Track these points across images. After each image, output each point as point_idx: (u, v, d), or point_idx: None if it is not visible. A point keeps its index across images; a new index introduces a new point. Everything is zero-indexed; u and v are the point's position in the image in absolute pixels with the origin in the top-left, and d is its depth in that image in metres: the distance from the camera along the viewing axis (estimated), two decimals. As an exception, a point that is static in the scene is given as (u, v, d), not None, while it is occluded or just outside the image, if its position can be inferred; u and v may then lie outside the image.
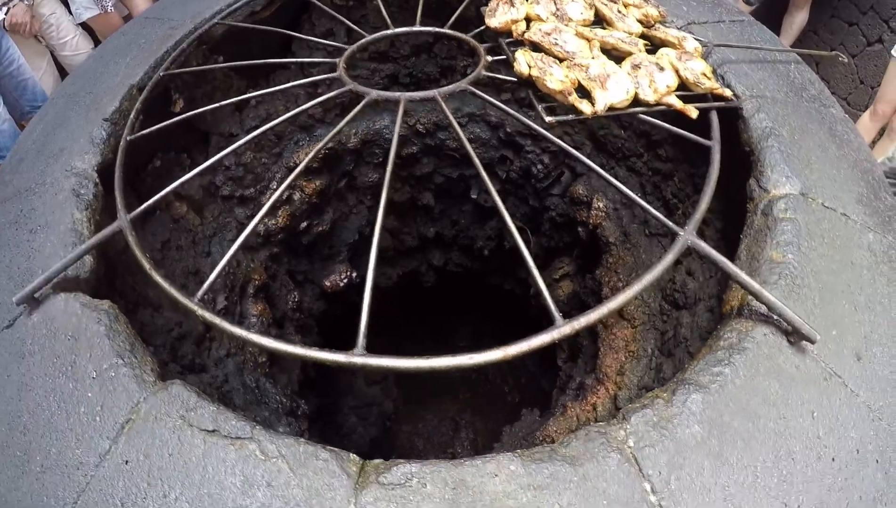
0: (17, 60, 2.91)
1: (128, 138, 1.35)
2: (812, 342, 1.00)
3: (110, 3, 3.15)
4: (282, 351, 0.95)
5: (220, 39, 1.83)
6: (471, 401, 3.41)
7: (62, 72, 3.37)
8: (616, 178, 2.02)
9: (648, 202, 1.96)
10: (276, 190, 2.09)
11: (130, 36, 1.78)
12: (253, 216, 2.10)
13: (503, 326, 3.38)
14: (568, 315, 2.38)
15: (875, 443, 0.97)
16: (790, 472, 0.92)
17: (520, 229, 1.10)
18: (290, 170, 2.14)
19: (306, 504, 0.86)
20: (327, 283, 2.52)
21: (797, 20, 3.69)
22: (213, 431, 0.94)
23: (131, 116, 1.41)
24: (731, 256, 1.25)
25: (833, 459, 0.95)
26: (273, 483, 0.88)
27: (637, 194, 1.95)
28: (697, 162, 1.71)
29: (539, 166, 2.25)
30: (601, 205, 2.08)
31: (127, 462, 0.93)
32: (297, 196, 2.20)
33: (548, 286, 2.51)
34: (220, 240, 1.99)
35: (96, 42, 3.34)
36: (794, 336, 1.02)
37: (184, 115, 1.43)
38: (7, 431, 1.00)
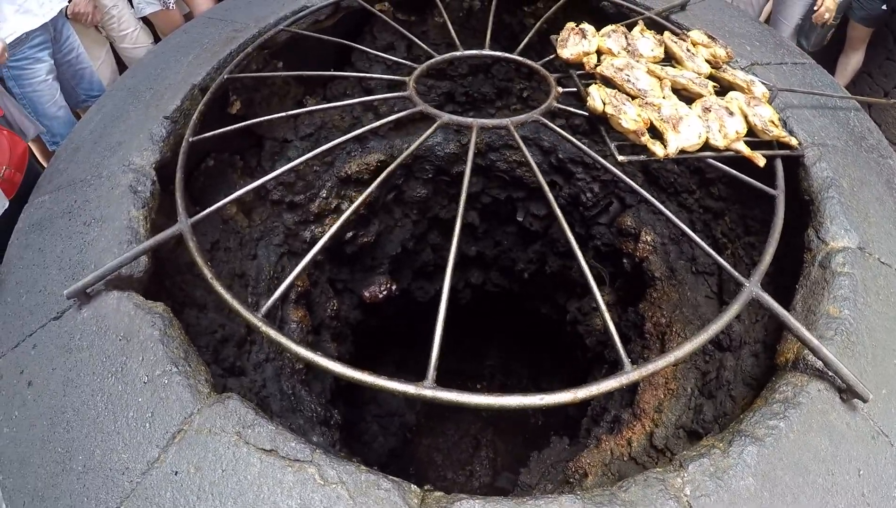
0: (76, 49, 2.96)
1: (190, 140, 1.36)
2: (864, 401, 1.00)
3: (172, 0, 3.22)
4: (355, 379, 0.93)
5: (282, 46, 1.87)
6: (493, 420, 3.38)
7: (120, 64, 3.43)
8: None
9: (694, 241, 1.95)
10: (325, 202, 2.13)
11: (193, 35, 1.81)
12: (301, 223, 2.13)
13: (532, 350, 3.36)
14: (605, 345, 2.35)
15: None
16: None
17: (596, 276, 1.09)
18: (340, 179, 2.17)
19: None
20: (367, 294, 2.54)
21: (852, 62, 3.63)
22: (271, 451, 0.93)
23: (194, 118, 1.42)
24: (785, 304, 1.24)
25: None
26: None
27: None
28: (750, 204, 1.69)
29: (588, 194, 2.24)
30: (649, 238, 2.06)
31: (177, 472, 0.93)
32: (345, 206, 2.22)
33: (585, 315, 2.48)
34: (266, 244, 2.02)
35: (156, 38, 3.41)
36: (847, 393, 1.02)
37: (247, 123, 1.45)
38: (49, 426, 1.00)
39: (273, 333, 1.00)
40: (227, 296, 1.05)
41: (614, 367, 2.26)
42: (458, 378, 3.58)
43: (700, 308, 1.89)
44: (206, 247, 1.70)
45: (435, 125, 1.40)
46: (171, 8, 3.23)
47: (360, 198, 1.21)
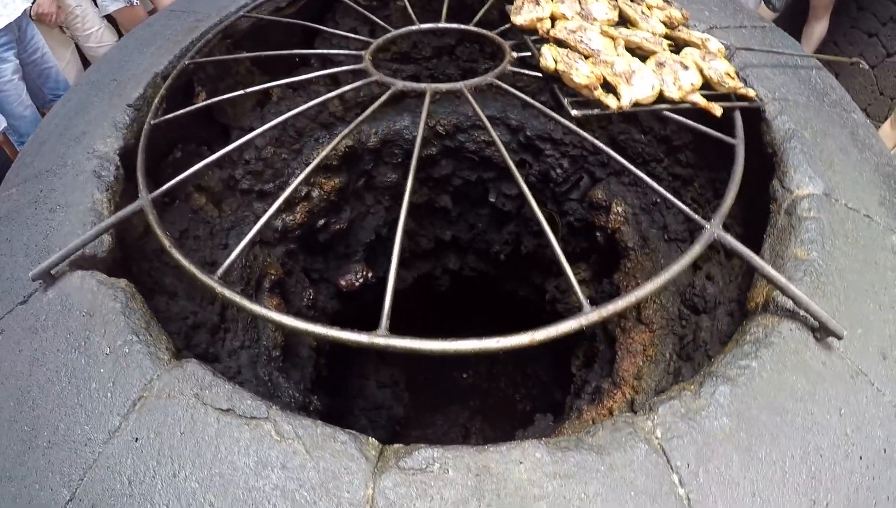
0: (41, 49, 2.95)
1: (151, 122, 1.36)
2: (839, 338, 0.99)
3: None
4: (300, 330, 0.94)
5: (244, 33, 1.85)
6: (481, 409, 3.37)
7: (86, 63, 3.41)
8: (634, 184, 2.03)
9: (668, 207, 1.96)
10: (296, 180, 2.10)
11: (156, 27, 1.80)
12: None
13: (516, 333, 3.36)
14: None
15: None
16: (818, 469, 0.90)
17: (548, 217, 1.09)
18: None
19: (322, 488, 0.84)
20: (342, 282, 2.52)
21: (817, 30, 3.69)
22: (228, 410, 0.92)
23: (156, 101, 1.42)
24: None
25: (861, 458, 0.92)
26: (288, 465, 0.86)
27: (656, 199, 1.95)
28: (718, 166, 1.70)
29: (558, 170, 2.24)
30: (620, 209, 2.06)
31: (137, 439, 0.92)
32: (315, 193, 2.20)
33: (563, 293, 2.49)
34: (237, 234, 1.99)
35: (120, 35, 3.39)
36: (821, 332, 1.00)
37: (207, 102, 1.44)
38: (15, 406, 0.99)
39: (228, 292, 1.00)
40: (184, 261, 1.04)
41: (594, 339, 2.27)
42: (444, 367, 3.57)
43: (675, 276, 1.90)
44: (175, 235, 1.67)
45: (389, 91, 1.39)
46: (135, 4, 3.20)
47: (311, 166, 1.20)
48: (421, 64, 2.25)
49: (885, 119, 3.40)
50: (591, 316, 0.94)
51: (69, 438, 0.94)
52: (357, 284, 2.53)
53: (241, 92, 1.48)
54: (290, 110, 2.05)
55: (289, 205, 2.14)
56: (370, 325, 0.94)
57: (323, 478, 0.85)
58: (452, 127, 2.28)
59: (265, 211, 2.06)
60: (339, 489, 0.84)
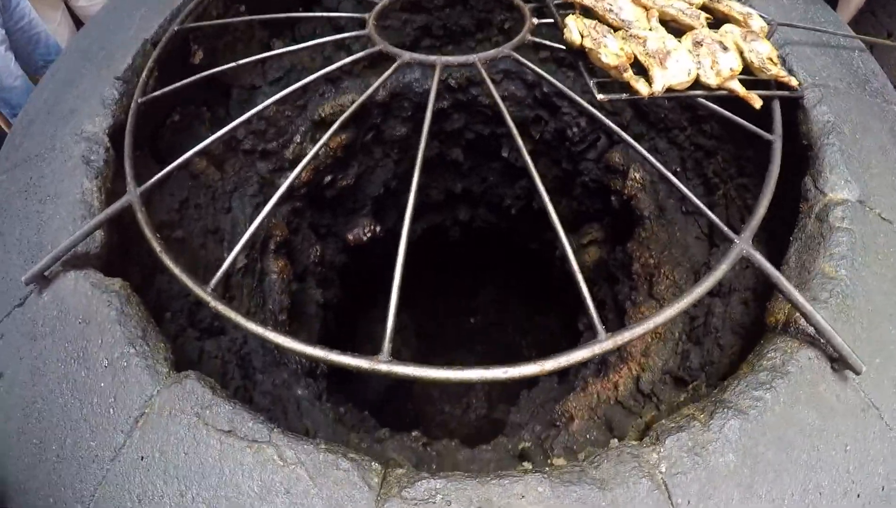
0: (27, 14, 2.82)
1: (138, 101, 1.28)
2: (857, 373, 0.95)
3: None
4: (301, 352, 0.91)
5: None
6: (487, 354, 3.41)
7: (78, 24, 3.24)
8: (655, 150, 1.93)
9: (688, 178, 1.87)
10: (299, 147, 2.03)
11: None
12: (276, 171, 2.04)
13: (527, 284, 3.34)
14: (593, 282, 2.31)
15: None
16: (816, 507, 0.89)
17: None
18: (315, 123, 2.06)
19: None
20: (350, 237, 2.48)
21: (852, 3, 3.39)
22: (230, 432, 0.92)
23: (143, 76, 1.33)
24: (777, 256, 1.18)
25: (858, 496, 0.91)
26: (292, 491, 0.87)
27: (676, 168, 1.86)
28: (744, 144, 1.60)
29: (575, 129, 2.14)
30: (637, 175, 1.98)
31: (143, 458, 0.92)
32: (321, 150, 2.12)
33: (574, 251, 2.45)
34: (240, 196, 1.94)
35: None
36: (839, 364, 0.97)
37: (202, 74, 1.34)
38: (23, 417, 0.99)
39: (222, 308, 0.96)
40: (176, 271, 1.01)
41: (602, 307, 2.24)
42: (453, 313, 3.58)
43: (690, 249, 1.84)
44: (175, 206, 1.62)
45: (395, 65, 1.30)
46: None
47: (314, 149, 1.12)
48: (433, 14, 2.10)
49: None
50: (605, 344, 0.91)
51: (77, 454, 0.95)
52: (365, 238, 2.49)
53: (242, 62, 1.38)
54: (292, 65, 1.97)
55: (294, 163, 2.07)
56: (380, 278, 0.91)
57: (327, 505, 0.86)
58: (465, 80, 2.16)
59: (269, 170, 2.01)
60: None
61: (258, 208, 2.01)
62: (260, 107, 1.28)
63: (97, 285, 1.08)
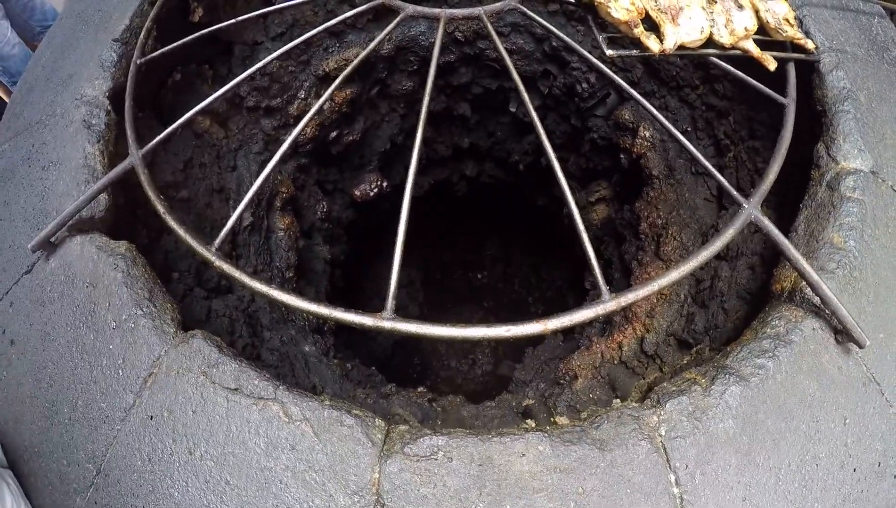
0: None
1: (137, 62, 1.25)
2: (861, 347, 0.95)
3: None
4: (305, 310, 0.92)
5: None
6: (494, 308, 3.43)
7: None
8: (666, 108, 1.89)
9: (699, 139, 1.84)
10: (304, 103, 2.00)
11: None
12: (280, 127, 2.02)
13: (534, 239, 3.33)
14: (600, 240, 2.29)
15: None
16: (812, 478, 0.91)
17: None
18: (319, 78, 2.02)
19: (331, 471, 0.87)
20: (357, 193, 2.47)
21: None
22: (236, 390, 0.94)
23: (141, 36, 1.30)
24: (786, 223, 1.17)
25: (855, 469, 0.93)
26: (297, 447, 0.89)
27: (687, 127, 1.82)
28: (757, 106, 1.56)
29: (584, 85, 2.09)
30: (647, 134, 1.94)
31: (152, 417, 0.95)
32: (326, 105, 2.08)
33: (582, 209, 2.43)
34: (245, 153, 1.92)
35: None
36: (843, 336, 0.97)
37: (201, 33, 1.31)
38: (34, 383, 1.02)
39: (227, 267, 0.97)
40: (180, 232, 1.02)
41: (609, 266, 2.24)
42: (459, 268, 3.60)
43: (698, 211, 1.82)
44: (179, 166, 1.61)
45: (398, 18, 1.26)
46: None
47: (318, 104, 1.10)
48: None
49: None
50: (609, 305, 0.90)
51: (88, 415, 0.97)
52: (372, 194, 2.48)
53: (234, 21, 1.34)
54: (295, 19, 1.92)
55: (299, 119, 2.04)
56: (388, 233, 0.91)
57: (331, 461, 0.88)
58: (472, 33, 2.11)
59: (273, 127, 1.99)
60: (347, 472, 0.87)
61: (263, 165, 1.99)
62: (261, 63, 1.26)
63: (103, 248, 1.08)
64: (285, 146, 1.11)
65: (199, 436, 0.92)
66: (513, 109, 2.36)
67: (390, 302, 0.92)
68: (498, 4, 1.30)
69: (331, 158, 2.28)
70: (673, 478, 0.88)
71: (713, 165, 1.80)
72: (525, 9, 1.31)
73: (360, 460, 0.88)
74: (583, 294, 2.47)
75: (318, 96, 2.04)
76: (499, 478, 0.86)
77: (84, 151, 1.19)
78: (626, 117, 2.01)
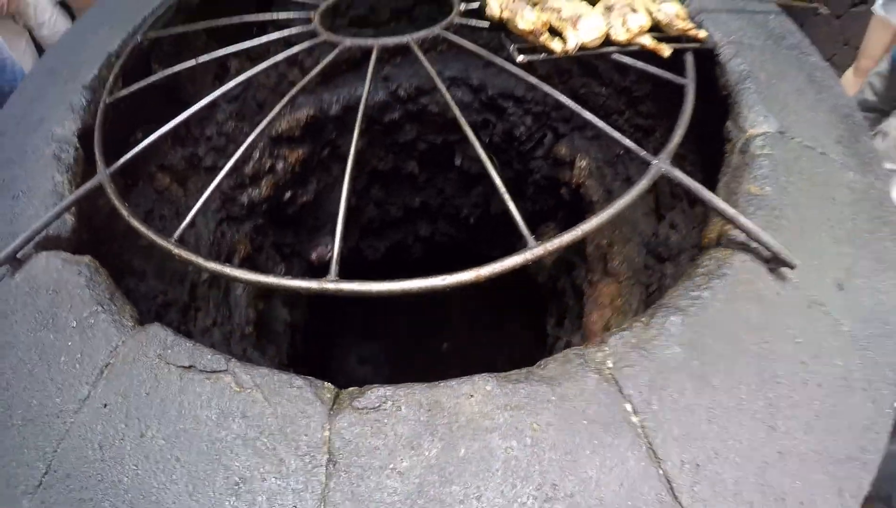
0: None
1: (106, 101, 1.34)
2: (791, 267, 1.00)
3: None
4: (257, 282, 0.95)
5: (197, 6, 1.81)
6: (464, 372, 3.40)
7: (41, 53, 3.35)
8: (598, 137, 2.05)
9: (630, 159, 1.98)
10: (258, 164, 2.09)
11: (108, 7, 1.76)
12: (237, 187, 2.09)
13: (496, 295, 3.38)
14: (555, 278, 2.38)
15: (862, 373, 0.96)
16: (776, 396, 0.91)
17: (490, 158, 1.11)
18: (272, 139, 2.13)
19: (280, 433, 0.86)
20: (314, 256, 2.52)
21: None
22: (190, 367, 0.94)
23: (110, 80, 1.39)
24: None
25: (819, 385, 0.94)
26: (248, 414, 0.88)
27: (620, 151, 1.97)
28: (678, 115, 1.71)
29: (522, 128, 2.25)
30: (584, 163, 2.08)
31: (105, 405, 0.93)
32: (280, 166, 2.18)
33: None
34: (203, 211, 1.97)
35: (73, 20, 3.32)
36: (774, 262, 1.02)
37: (162, 73, 1.41)
38: None
39: (184, 253, 1.02)
40: (142, 227, 1.05)
41: (563, 295, 2.31)
42: (425, 336, 3.59)
43: (639, 225, 1.93)
44: (141, 215, 1.65)
45: (337, 49, 1.38)
46: None
47: (263, 123, 1.19)
48: (380, 28, 2.22)
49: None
50: (536, 250, 0.95)
51: (42, 413, 0.95)
52: (328, 257, 2.52)
53: (194, 61, 1.45)
54: (249, 83, 2.04)
55: (254, 179, 2.13)
56: (348, 304, 0.94)
57: (281, 423, 0.87)
58: (414, 90, 2.27)
59: (230, 187, 2.06)
60: (297, 433, 0.86)
61: (221, 223, 2.05)
62: (207, 99, 1.35)
63: (67, 260, 1.11)
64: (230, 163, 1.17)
65: (151, 417, 0.91)
66: (458, 162, 2.50)
67: (333, 266, 0.96)
68: (423, 32, 1.43)
69: (287, 220, 2.35)
70: (629, 407, 0.88)
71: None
72: (449, 35, 1.44)
73: (310, 420, 0.87)
74: (542, 342, 2.51)
75: (272, 156, 2.15)
76: (449, 421, 0.86)
77: (53, 180, 1.24)
78: (563, 152, 2.16)
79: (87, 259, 1.13)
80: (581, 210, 2.12)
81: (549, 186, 2.33)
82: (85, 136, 1.37)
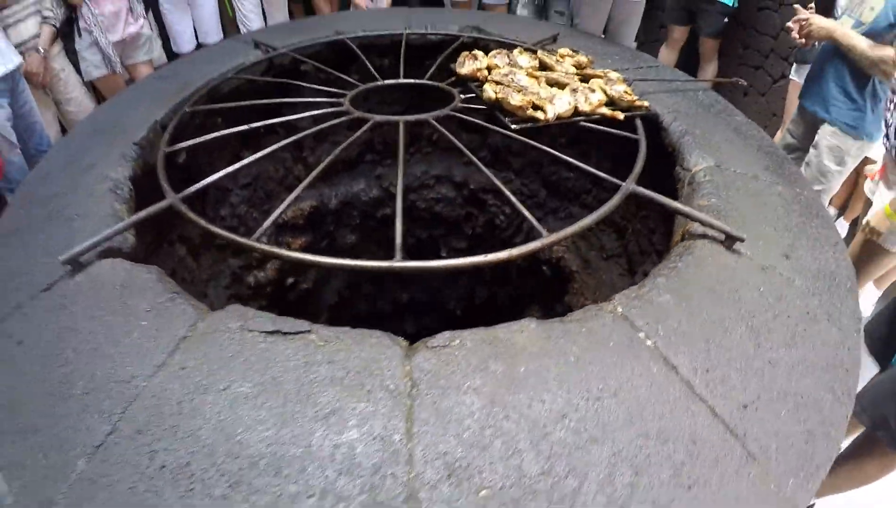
0: (30, 102, 3.08)
1: (165, 150, 1.54)
2: (741, 240, 1.26)
3: (119, 65, 3.45)
4: (324, 264, 1.13)
5: (225, 95, 2.06)
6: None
7: (63, 129, 3.56)
8: (571, 216, 2.33)
9: (600, 230, 2.26)
10: (297, 189, 2.27)
11: (146, 88, 2.01)
12: (245, 267, 2.26)
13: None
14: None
15: (822, 310, 1.20)
16: (755, 324, 1.13)
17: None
18: (279, 226, 2.35)
19: (366, 371, 0.98)
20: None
21: (708, 71, 4.46)
22: (274, 332, 1.05)
23: (166, 135, 1.61)
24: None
25: (789, 316, 1.16)
26: (334, 360, 1.00)
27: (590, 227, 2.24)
28: (646, 206, 2.01)
29: (501, 217, 2.53)
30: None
31: (184, 367, 0.99)
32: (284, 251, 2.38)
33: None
34: (215, 285, 2.13)
35: (99, 102, 3.57)
36: (728, 241, 1.28)
37: (224, 132, 1.63)
38: (41, 369, 1.01)
39: (267, 247, 1.20)
40: (224, 232, 1.22)
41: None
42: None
43: (616, 285, 2.16)
44: (168, 272, 1.79)
45: (368, 123, 1.65)
46: (118, 72, 3.43)
47: (311, 176, 1.39)
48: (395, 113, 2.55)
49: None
50: (550, 238, 1.23)
51: (109, 381, 0.98)
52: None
53: (246, 127, 1.67)
54: (259, 172, 2.30)
55: (261, 263, 2.31)
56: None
57: (366, 363, 1.00)
58: (403, 187, 2.56)
59: (239, 267, 2.24)
60: (381, 369, 0.99)
61: (230, 300, 2.19)
62: (270, 148, 1.56)
63: (134, 266, 1.21)
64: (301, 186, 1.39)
65: (235, 372, 0.98)
66: (443, 254, 2.74)
67: (398, 250, 1.19)
68: (437, 112, 1.74)
69: (289, 305, 2.50)
70: (642, 335, 1.08)
71: (617, 246, 2.20)
72: (456, 113, 1.76)
73: (391, 360, 1.00)
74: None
75: (277, 242, 2.35)
76: (507, 350, 1.02)
77: (112, 207, 1.37)
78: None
79: (154, 268, 1.24)
80: (562, 280, 2.34)
81: (529, 269, 2.57)
82: (135, 181, 1.52)
